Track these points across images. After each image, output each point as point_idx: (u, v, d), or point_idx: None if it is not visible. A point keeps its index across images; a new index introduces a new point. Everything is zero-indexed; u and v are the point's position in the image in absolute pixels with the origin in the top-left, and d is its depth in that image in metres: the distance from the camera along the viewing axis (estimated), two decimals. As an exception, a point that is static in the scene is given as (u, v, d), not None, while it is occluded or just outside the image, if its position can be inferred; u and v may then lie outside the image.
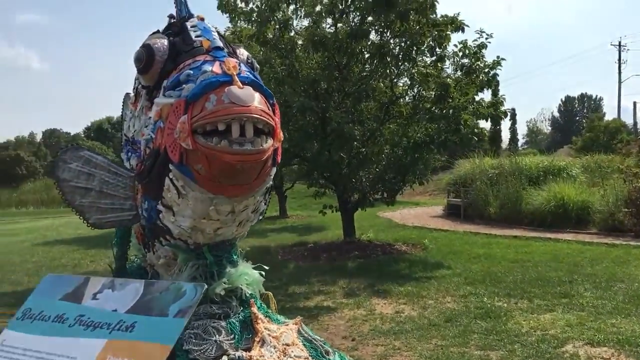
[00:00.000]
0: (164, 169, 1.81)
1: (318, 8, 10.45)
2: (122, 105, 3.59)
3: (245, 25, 10.74)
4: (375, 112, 10.48)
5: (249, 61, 2.11)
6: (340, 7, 10.02)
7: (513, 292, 7.16)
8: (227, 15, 10.65)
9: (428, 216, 18.38)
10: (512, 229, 13.60)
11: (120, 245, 2.87)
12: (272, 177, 1.87)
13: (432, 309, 6.55)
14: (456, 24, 9.11)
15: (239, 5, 10.42)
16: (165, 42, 2.07)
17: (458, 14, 9.55)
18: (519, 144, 59.09)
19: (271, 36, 10.23)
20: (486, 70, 9.97)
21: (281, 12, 10.27)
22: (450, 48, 9.94)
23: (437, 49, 9.13)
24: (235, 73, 1.71)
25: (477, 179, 16.77)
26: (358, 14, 9.97)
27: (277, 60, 10.10)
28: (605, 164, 17.76)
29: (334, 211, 11.32)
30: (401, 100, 10.60)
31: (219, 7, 10.48)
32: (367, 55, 10.35)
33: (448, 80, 9.41)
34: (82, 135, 74.56)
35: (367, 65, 10.65)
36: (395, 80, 10.44)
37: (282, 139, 1.85)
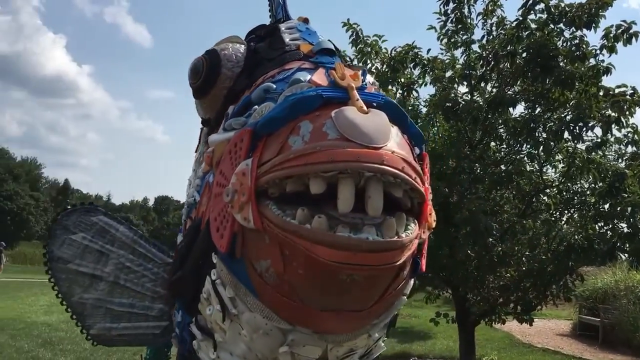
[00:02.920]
0: (204, 260, 1.21)
1: (449, 73, 8.73)
2: None
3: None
4: (515, 202, 8.34)
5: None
6: (479, 72, 8.19)
7: None
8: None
9: (554, 333, 15.34)
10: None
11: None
12: (406, 297, 1.23)
13: None
14: (638, 96, 6.92)
15: (355, 65, 8.91)
16: (242, 48, 1.50)
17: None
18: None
19: (391, 101, 8.61)
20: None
21: (405, 76, 8.64)
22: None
23: (615, 126, 6.90)
24: (353, 85, 1.12)
25: (623, 296, 13.73)
26: (501, 81, 8.09)
27: (396, 129, 8.32)
28: None
29: (449, 321, 9.05)
30: (549, 190, 8.41)
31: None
32: (503, 131, 8.39)
33: (623, 168, 7.16)
34: (190, 204, 76.92)
35: (503, 145, 8.67)
36: (545, 164, 8.30)
37: (434, 225, 1.21)
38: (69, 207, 1.78)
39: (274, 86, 1.24)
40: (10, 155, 62.23)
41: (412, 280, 1.23)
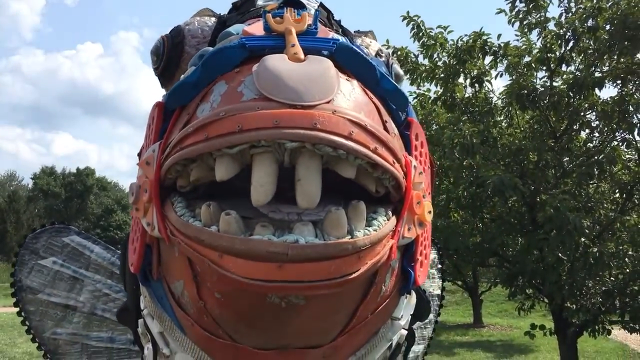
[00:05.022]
0: (137, 284, 1.06)
1: (527, 59, 7.91)
2: None
3: (430, 87, 8.62)
4: (613, 196, 7.37)
5: (382, 58, 1.21)
6: (558, 54, 7.35)
7: None
8: (407, 77, 8.63)
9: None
10: None
11: None
12: (400, 320, 0.95)
13: None
14: None
15: (421, 62, 8.34)
16: (210, 21, 1.29)
17: None
18: None
19: (462, 96, 7.92)
20: None
21: (476, 67, 7.93)
22: None
23: None
24: (292, 29, 0.87)
25: None
26: (585, 61, 7.22)
27: (467, 125, 7.62)
28: None
29: (547, 334, 8.12)
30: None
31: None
32: (593, 117, 7.50)
33: None
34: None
35: (595, 133, 7.75)
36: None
37: (429, 218, 0.92)
38: (36, 228, 1.59)
39: (211, 49, 0.97)
40: (119, 187, 66.38)
41: (408, 297, 0.95)
